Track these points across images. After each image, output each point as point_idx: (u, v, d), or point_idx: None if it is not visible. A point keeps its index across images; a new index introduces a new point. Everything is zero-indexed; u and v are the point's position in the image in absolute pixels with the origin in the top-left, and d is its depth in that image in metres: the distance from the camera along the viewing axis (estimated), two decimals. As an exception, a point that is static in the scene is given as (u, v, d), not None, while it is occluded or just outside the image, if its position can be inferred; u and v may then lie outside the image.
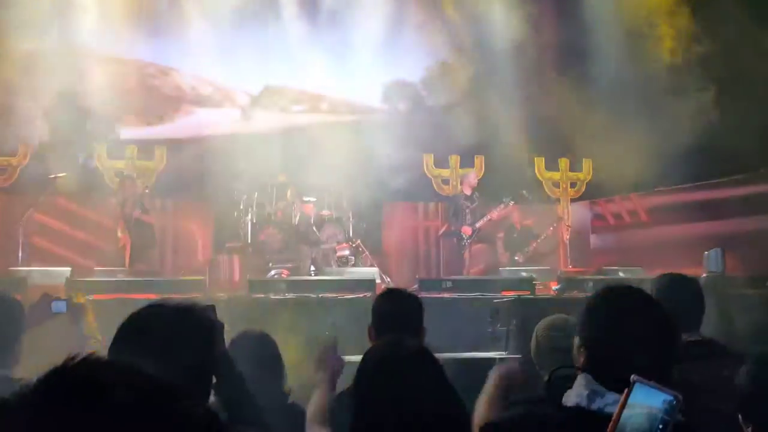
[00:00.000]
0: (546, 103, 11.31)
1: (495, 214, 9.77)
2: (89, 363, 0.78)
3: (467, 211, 9.80)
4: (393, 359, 2.01)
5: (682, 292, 3.09)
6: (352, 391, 2.12)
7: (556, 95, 11.10)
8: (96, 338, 3.04)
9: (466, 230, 9.75)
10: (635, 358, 1.69)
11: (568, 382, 2.08)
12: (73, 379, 0.75)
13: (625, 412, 1.33)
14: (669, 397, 1.33)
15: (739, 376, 2.37)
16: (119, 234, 8.39)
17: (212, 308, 1.87)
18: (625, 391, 1.35)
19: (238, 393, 1.81)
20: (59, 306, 2.97)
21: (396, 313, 2.95)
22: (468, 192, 9.95)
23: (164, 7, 11.18)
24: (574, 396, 1.73)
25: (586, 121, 10.58)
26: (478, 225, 9.77)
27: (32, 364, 2.87)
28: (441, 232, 10.44)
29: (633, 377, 1.35)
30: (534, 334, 2.93)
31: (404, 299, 3.05)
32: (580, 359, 1.82)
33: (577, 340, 1.87)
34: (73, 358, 0.76)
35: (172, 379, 1.46)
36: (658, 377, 1.68)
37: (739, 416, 2.29)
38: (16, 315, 2.81)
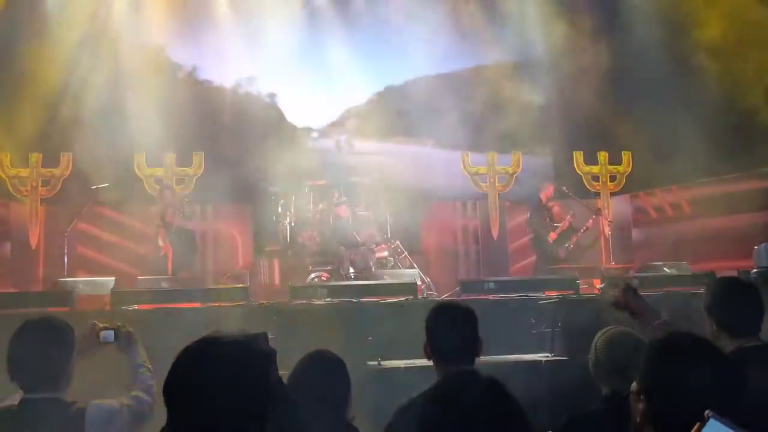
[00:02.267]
0: (585, 96, 11.15)
1: (567, 221, 10.15)
2: None
3: (548, 219, 10.23)
4: (467, 397, 1.88)
5: (737, 297, 3.00)
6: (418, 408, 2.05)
7: (594, 87, 10.94)
8: (147, 366, 3.05)
9: (552, 236, 10.07)
10: (697, 417, 1.65)
11: (622, 401, 2.03)
12: None
13: None
14: None
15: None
16: (160, 243, 8.47)
17: (264, 336, 1.86)
18: (698, 424, 1.30)
19: (291, 422, 1.79)
20: (107, 336, 3.00)
21: (453, 335, 2.89)
22: (545, 200, 10.31)
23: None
24: None
25: (625, 113, 10.42)
26: (558, 231, 10.10)
27: (83, 389, 2.91)
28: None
29: (708, 412, 1.30)
30: (593, 346, 2.85)
31: (459, 319, 2.97)
32: (638, 406, 1.77)
33: (635, 385, 1.81)
34: None
35: (230, 413, 1.45)
36: None
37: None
38: (68, 339, 2.85)
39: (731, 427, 1.29)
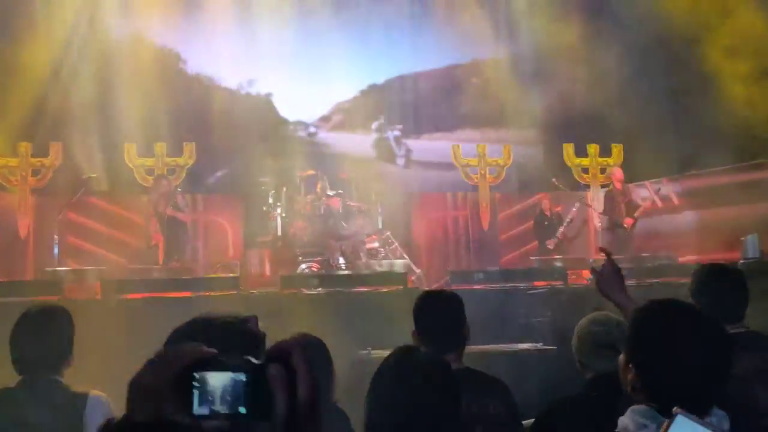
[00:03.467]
0: (577, 88, 11.21)
1: (648, 204, 10.15)
2: None
3: (622, 204, 10.07)
4: (405, 367, 2.02)
5: (723, 284, 3.03)
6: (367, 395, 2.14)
7: (586, 81, 10.98)
8: None
9: (629, 221, 9.97)
10: (689, 380, 1.67)
11: (608, 382, 2.06)
12: None
13: None
14: None
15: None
16: (152, 232, 8.47)
17: (255, 319, 1.87)
18: (666, 422, 1.33)
19: None
20: None
21: (439, 318, 2.93)
22: (618, 186, 10.16)
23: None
24: (623, 424, 1.71)
25: (616, 105, 10.46)
26: (636, 215, 10.00)
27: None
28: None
29: (675, 409, 1.32)
30: (575, 333, 2.89)
31: (444, 303, 3.02)
32: (627, 378, 1.78)
33: (623, 358, 1.82)
34: None
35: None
36: (709, 399, 1.66)
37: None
38: (66, 325, 2.89)
39: (699, 423, 1.31)
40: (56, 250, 8.91)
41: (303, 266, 9.39)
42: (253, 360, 1.07)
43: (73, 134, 9.90)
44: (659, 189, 10.89)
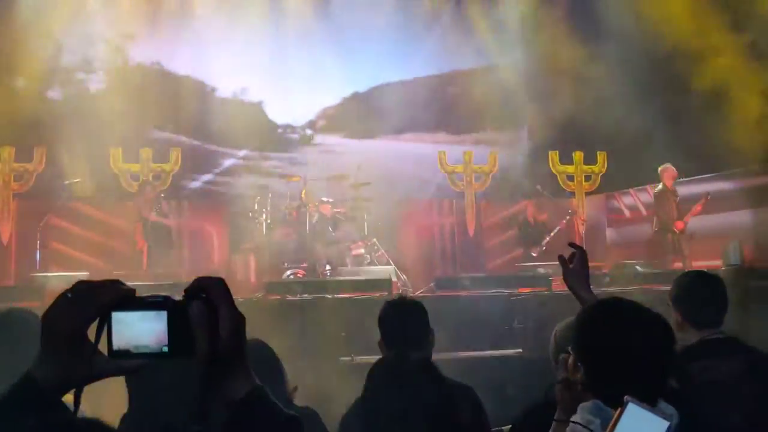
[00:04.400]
0: (562, 97, 11.28)
1: (699, 207, 9.37)
2: None
3: (674, 205, 9.51)
4: (397, 372, 2.04)
5: (703, 290, 3.06)
6: (360, 402, 2.15)
7: (572, 89, 11.05)
8: None
9: (679, 225, 9.46)
10: (633, 375, 1.69)
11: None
12: None
13: None
14: (662, 422, 1.32)
15: (757, 377, 2.36)
16: (136, 238, 8.43)
17: None
18: (618, 410, 1.34)
19: None
20: None
21: (401, 326, 2.94)
22: (670, 185, 9.56)
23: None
24: (573, 423, 1.73)
25: (601, 114, 10.53)
26: (686, 219, 9.43)
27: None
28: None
29: (626, 398, 1.34)
30: (552, 338, 2.91)
31: (407, 310, 3.03)
32: (576, 375, 1.80)
33: (572, 360, 1.84)
34: None
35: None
36: (656, 389, 1.69)
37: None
38: (34, 330, 2.83)
39: (649, 410, 1.33)
40: (39, 256, 8.84)
41: (288, 273, 9.37)
42: (173, 297, 1.05)
43: (56, 139, 9.84)
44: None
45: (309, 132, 12.46)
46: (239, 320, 1.12)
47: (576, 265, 2.57)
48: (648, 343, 1.72)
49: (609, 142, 11.32)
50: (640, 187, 11.72)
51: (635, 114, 10.20)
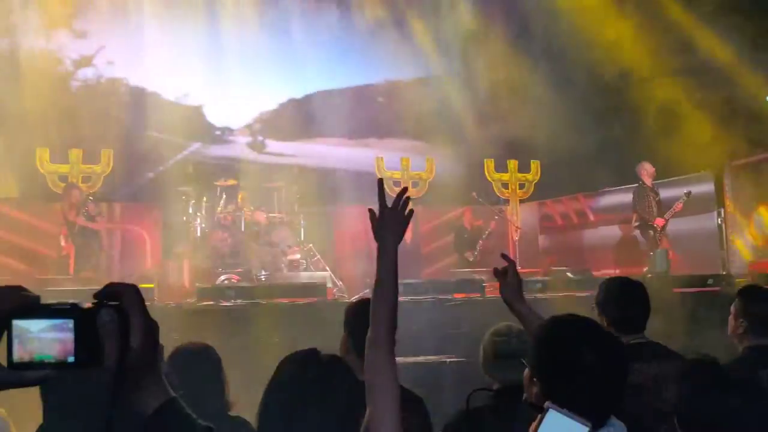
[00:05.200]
0: (498, 107, 11.48)
1: (680, 205, 9.26)
2: None
3: (654, 202, 9.41)
4: (307, 368, 2.02)
5: (626, 296, 3.15)
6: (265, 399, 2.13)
7: (507, 98, 11.25)
8: None
9: (659, 222, 9.33)
10: (587, 392, 1.71)
11: (515, 392, 2.10)
12: None
13: None
14: (581, 427, 1.35)
15: (675, 381, 2.43)
16: (62, 242, 8.17)
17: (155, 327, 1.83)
18: (538, 417, 1.37)
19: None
20: None
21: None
22: (649, 183, 9.49)
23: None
24: None
25: (535, 122, 10.76)
26: (667, 216, 9.33)
27: None
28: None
29: (546, 404, 1.37)
30: (481, 345, 2.95)
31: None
32: (531, 391, 1.82)
33: (528, 372, 1.87)
34: None
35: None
36: (609, 406, 1.73)
37: (675, 419, 2.34)
38: None
39: (569, 416, 1.36)
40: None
41: (223, 278, 9.22)
42: (81, 304, 1.00)
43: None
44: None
45: (247, 137, 12.35)
46: (152, 329, 1.07)
47: (510, 278, 2.61)
48: (601, 362, 1.75)
49: (543, 153, 11.55)
50: (571, 196, 12.02)
51: (570, 127, 10.45)
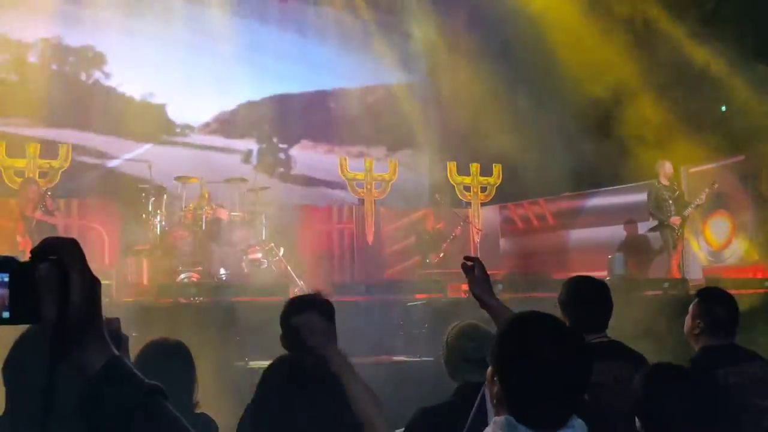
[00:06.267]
0: (461, 110, 11.55)
1: (701, 200, 9.19)
2: None
3: (670, 201, 9.28)
4: (292, 376, 2.01)
5: (588, 294, 3.19)
6: (252, 405, 2.12)
7: (470, 102, 11.32)
8: None
9: (675, 221, 9.23)
10: (549, 391, 1.68)
11: (475, 390, 2.11)
12: None
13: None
14: None
15: (636, 381, 2.47)
16: (18, 238, 7.98)
17: (117, 321, 1.79)
18: (479, 396, 1.38)
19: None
20: None
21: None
22: (665, 182, 9.35)
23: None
24: None
25: (497, 126, 10.84)
26: (686, 213, 9.23)
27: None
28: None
29: (484, 387, 1.37)
30: (444, 340, 2.94)
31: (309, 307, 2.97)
32: (493, 389, 1.78)
33: (490, 371, 1.82)
34: None
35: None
36: (570, 405, 1.71)
37: (635, 418, 2.38)
38: None
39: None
40: None
41: (183, 276, 9.10)
42: (18, 259, 0.97)
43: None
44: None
45: (208, 134, 12.24)
46: (93, 285, 1.02)
47: (478, 273, 2.62)
48: (563, 359, 1.70)
49: (505, 157, 11.65)
50: (532, 200, 12.15)
51: (531, 132, 10.56)
